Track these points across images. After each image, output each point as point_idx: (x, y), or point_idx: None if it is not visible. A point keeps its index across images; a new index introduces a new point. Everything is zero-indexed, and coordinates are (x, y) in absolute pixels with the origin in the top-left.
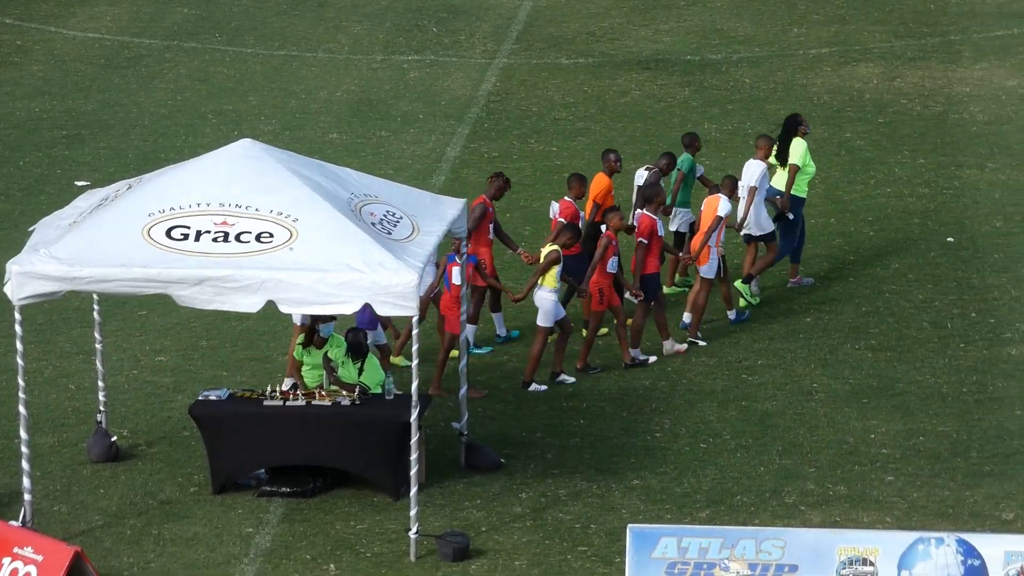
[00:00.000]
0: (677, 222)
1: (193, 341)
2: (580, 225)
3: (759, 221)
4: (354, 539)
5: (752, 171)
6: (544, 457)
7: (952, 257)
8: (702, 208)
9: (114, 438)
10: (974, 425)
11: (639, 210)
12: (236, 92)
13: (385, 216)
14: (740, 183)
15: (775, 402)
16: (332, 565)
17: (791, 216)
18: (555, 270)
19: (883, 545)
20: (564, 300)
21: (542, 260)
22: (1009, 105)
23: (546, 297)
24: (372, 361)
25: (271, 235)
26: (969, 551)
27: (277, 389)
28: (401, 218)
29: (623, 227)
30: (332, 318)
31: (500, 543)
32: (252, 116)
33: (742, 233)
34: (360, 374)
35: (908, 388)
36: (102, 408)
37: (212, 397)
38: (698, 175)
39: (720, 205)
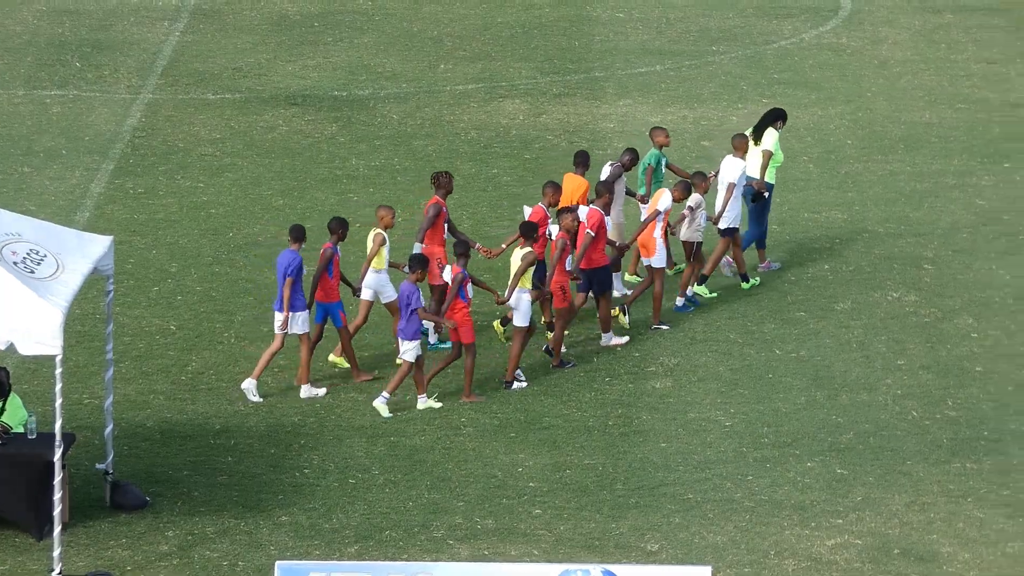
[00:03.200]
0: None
1: None
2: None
3: (735, 217)
4: None
5: (730, 168)
6: (191, 495)
7: None
8: (649, 202)
9: None
10: (620, 458)
11: (589, 205)
12: None
13: (28, 255)
14: (718, 179)
15: (424, 437)
16: None
17: (767, 195)
18: (530, 271)
19: None
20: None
21: (520, 263)
22: None
23: (523, 298)
24: (14, 400)
25: None
26: None
27: None
28: (45, 256)
29: (575, 227)
30: None
31: None
32: None
33: (718, 227)
34: (1, 414)
35: (555, 422)
36: None
37: None
38: (666, 166)
39: (661, 200)
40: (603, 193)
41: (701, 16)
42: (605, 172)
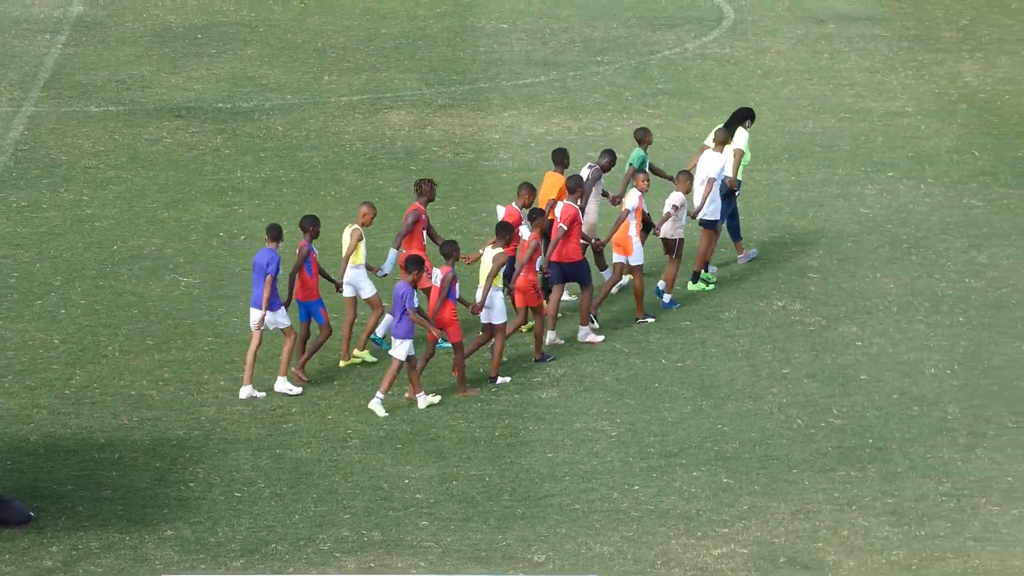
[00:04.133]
0: None
1: None
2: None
3: (715, 210)
4: None
5: (710, 162)
6: (76, 510)
7: None
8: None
9: None
10: (506, 468)
11: (563, 201)
12: None
13: None
14: (696, 174)
15: (310, 449)
16: None
17: (736, 193)
18: (501, 271)
19: None
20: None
21: (492, 263)
22: (538, 152)
23: (496, 296)
24: None
25: None
26: None
27: None
28: None
29: (548, 227)
30: None
31: None
32: None
33: (698, 219)
34: None
35: (442, 433)
36: None
37: None
38: (648, 168)
39: (628, 198)
40: (575, 189)
41: (585, 26)
42: (584, 175)
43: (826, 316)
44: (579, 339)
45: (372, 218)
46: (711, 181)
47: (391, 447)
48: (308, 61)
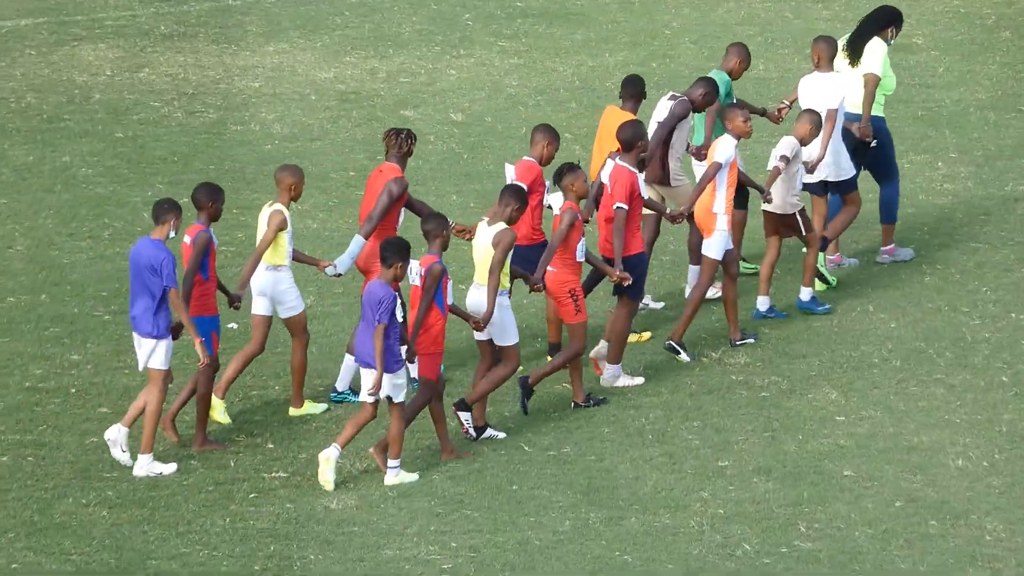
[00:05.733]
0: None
1: None
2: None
3: (839, 161)
4: None
5: (825, 88)
6: None
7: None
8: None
9: None
10: None
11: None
12: None
13: None
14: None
15: None
16: None
17: (874, 144)
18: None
19: None
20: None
21: (494, 249)
22: (323, 109)
23: (501, 303)
24: None
25: None
26: None
27: None
28: None
29: (587, 192)
30: None
31: None
32: None
33: (816, 179)
34: None
35: (169, 567)
36: None
37: None
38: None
39: (719, 149)
40: (634, 144)
41: None
42: (662, 110)
43: (788, 374)
44: (603, 382)
45: (301, 189)
46: (832, 114)
47: None
48: None
